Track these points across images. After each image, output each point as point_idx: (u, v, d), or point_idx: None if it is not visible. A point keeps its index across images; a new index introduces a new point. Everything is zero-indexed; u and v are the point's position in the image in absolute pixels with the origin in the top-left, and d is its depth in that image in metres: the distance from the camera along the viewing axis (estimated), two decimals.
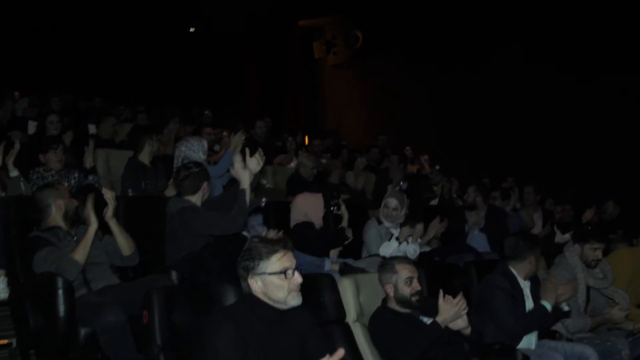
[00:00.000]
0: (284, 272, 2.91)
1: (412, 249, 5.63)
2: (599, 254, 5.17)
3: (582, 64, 11.59)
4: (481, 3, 12.94)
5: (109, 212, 4.20)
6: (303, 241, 4.98)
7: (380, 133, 13.24)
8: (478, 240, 6.97)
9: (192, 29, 17.50)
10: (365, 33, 15.62)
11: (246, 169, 4.31)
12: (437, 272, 4.91)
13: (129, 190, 5.81)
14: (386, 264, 4.15)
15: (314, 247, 4.96)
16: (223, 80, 17.42)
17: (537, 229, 8.67)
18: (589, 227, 5.50)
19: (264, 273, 2.91)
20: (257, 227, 5.33)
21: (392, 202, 5.86)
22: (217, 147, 8.76)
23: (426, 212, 7.14)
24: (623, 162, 10.80)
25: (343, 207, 5.54)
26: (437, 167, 10.73)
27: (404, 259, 4.22)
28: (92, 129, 8.22)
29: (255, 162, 4.37)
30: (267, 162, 8.66)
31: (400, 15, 14.52)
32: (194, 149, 6.18)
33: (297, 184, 7.55)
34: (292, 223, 5.40)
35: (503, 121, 12.62)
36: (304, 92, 17.74)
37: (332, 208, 5.56)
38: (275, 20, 16.25)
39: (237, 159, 4.36)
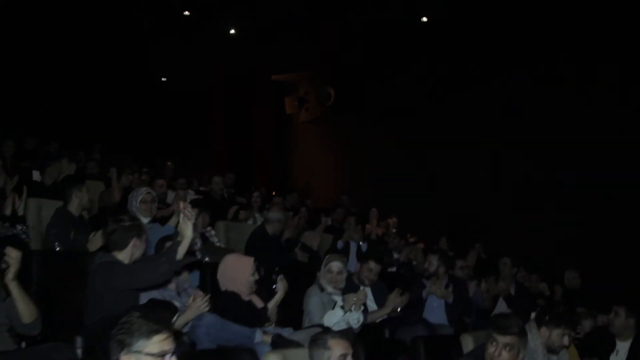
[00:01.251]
0: (162, 355, 2.62)
1: (355, 318, 5.27)
2: (566, 340, 4.67)
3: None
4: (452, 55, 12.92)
5: (9, 274, 3.69)
6: (229, 311, 4.61)
7: (347, 192, 12.96)
8: (436, 312, 6.58)
9: (164, 79, 17.28)
10: (337, 90, 15.44)
11: (190, 223, 3.90)
12: (380, 348, 4.51)
13: (56, 244, 5.37)
14: (317, 339, 3.73)
15: (239, 318, 4.54)
16: (192, 133, 17.20)
17: None
18: (560, 310, 5.03)
19: (140, 352, 2.60)
20: (188, 289, 4.89)
21: (336, 265, 5.54)
22: (170, 199, 8.42)
23: (384, 279, 6.77)
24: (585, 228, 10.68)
25: (281, 284, 5.09)
26: (394, 230, 10.41)
27: (338, 333, 3.81)
28: (36, 175, 7.82)
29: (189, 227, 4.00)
30: (223, 217, 8.39)
31: (372, 73, 14.41)
32: (130, 204, 5.98)
33: (260, 240, 7.17)
34: (221, 287, 4.99)
35: (473, 183, 12.44)
36: (274, 148, 17.47)
37: (273, 286, 5.16)
38: (247, 74, 16.06)
39: (183, 209, 3.97)
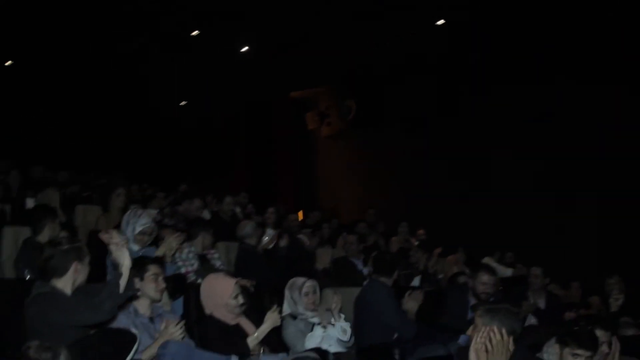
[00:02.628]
0: None
1: (339, 330, 4.81)
2: None
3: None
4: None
5: None
6: (209, 339, 4.21)
7: (373, 206, 12.43)
8: None
9: (183, 103, 16.99)
10: (358, 103, 14.93)
11: (125, 250, 3.56)
12: None
13: (26, 271, 4.95)
14: None
15: (219, 346, 4.04)
16: (213, 154, 16.85)
17: None
18: (578, 326, 4.32)
19: None
20: (164, 314, 4.38)
21: (311, 285, 5.09)
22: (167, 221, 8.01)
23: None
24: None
25: (270, 316, 4.52)
26: (416, 242, 9.80)
27: None
28: (30, 203, 7.45)
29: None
30: (233, 238, 7.90)
31: (393, 84, 13.89)
32: (125, 226, 5.55)
33: (248, 257, 6.82)
34: (206, 311, 4.51)
35: (501, 194, 11.81)
36: (298, 165, 16.97)
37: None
38: (267, 91, 15.65)
39: (115, 239, 3.60)
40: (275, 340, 4.87)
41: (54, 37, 12.19)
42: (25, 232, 5.71)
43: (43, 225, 5.41)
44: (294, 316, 5.02)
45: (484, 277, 5.78)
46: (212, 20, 12.26)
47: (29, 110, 14.23)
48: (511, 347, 3.39)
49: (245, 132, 17.79)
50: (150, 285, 4.38)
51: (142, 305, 4.33)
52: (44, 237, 5.34)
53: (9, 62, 13.93)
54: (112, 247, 3.55)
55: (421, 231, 11.29)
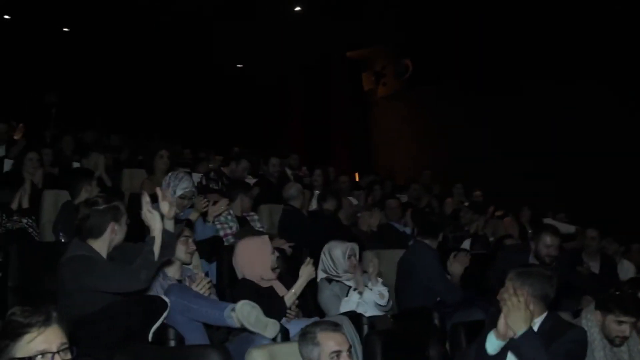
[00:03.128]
0: (34, 357, 2.16)
1: (376, 295, 4.70)
2: (625, 329, 3.70)
3: None
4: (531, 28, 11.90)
5: None
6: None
7: (428, 167, 12.18)
8: None
9: (239, 65, 16.91)
10: (415, 62, 14.56)
11: (155, 213, 3.44)
12: (403, 338, 3.72)
13: (60, 234, 4.96)
14: (307, 332, 3.09)
15: None
16: (268, 115, 16.79)
17: None
18: (621, 291, 4.06)
19: (13, 359, 2.16)
20: (194, 276, 4.32)
21: (354, 248, 5.00)
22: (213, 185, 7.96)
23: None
24: None
25: (305, 270, 4.31)
26: (466, 203, 9.55)
27: (331, 325, 3.11)
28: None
29: (166, 206, 3.55)
30: (277, 201, 7.82)
31: (450, 44, 13.47)
32: (165, 189, 5.39)
33: (294, 218, 6.74)
34: (238, 275, 4.44)
35: (563, 154, 11.42)
36: (353, 126, 16.70)
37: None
38: (322, 51, 15.41)
39: (145, 199, 3.48)
40: (311, 304, 4.80)
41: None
42: (65, 195, 5.71)
43: (80, 189, 5.39)
44: (329, 280, 4.91)
45: (548, 239, 5.36)
46: None
47: (86, 74, 14.38)
48: (536, 308, 3.24)
49: (301, 93, 17.61)
50: (180, 248, 4.33)
51: (171, 268, 4.29)
52: (80, 200, 5.29)
53: (65, 29, 14.07)
54: (144, 211, 3.45)
55: (478, 192, 11.03)
